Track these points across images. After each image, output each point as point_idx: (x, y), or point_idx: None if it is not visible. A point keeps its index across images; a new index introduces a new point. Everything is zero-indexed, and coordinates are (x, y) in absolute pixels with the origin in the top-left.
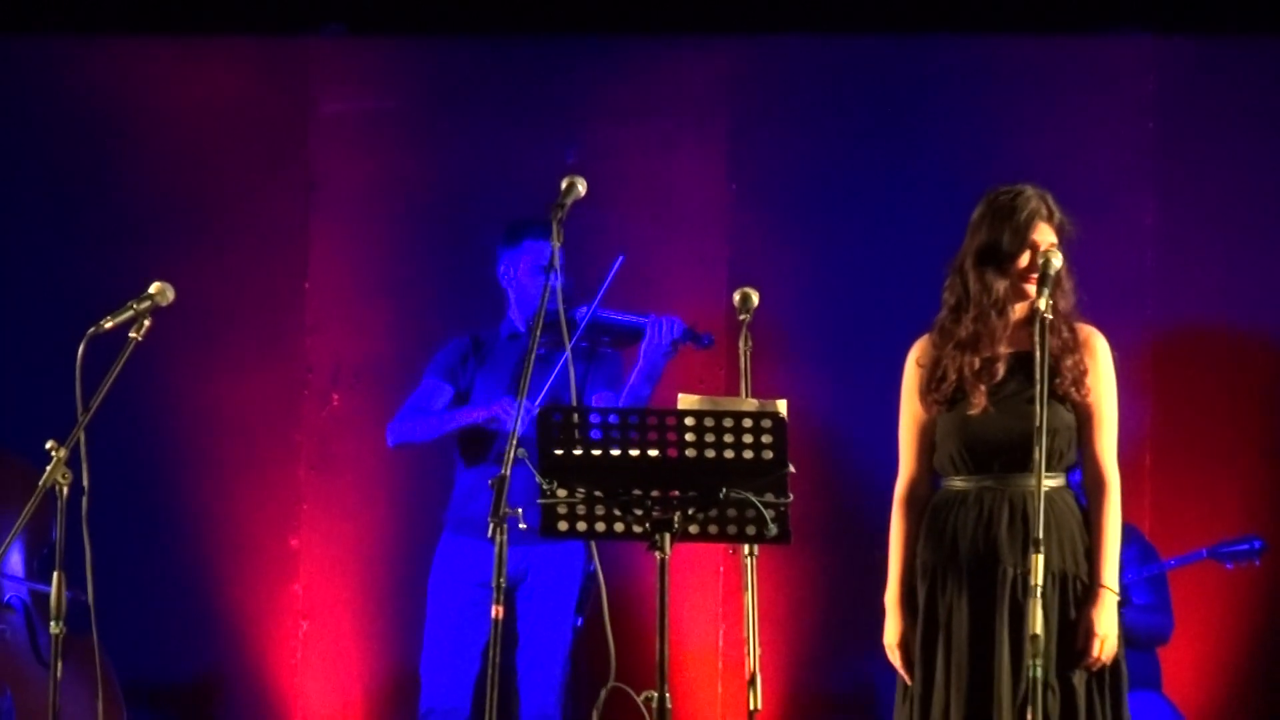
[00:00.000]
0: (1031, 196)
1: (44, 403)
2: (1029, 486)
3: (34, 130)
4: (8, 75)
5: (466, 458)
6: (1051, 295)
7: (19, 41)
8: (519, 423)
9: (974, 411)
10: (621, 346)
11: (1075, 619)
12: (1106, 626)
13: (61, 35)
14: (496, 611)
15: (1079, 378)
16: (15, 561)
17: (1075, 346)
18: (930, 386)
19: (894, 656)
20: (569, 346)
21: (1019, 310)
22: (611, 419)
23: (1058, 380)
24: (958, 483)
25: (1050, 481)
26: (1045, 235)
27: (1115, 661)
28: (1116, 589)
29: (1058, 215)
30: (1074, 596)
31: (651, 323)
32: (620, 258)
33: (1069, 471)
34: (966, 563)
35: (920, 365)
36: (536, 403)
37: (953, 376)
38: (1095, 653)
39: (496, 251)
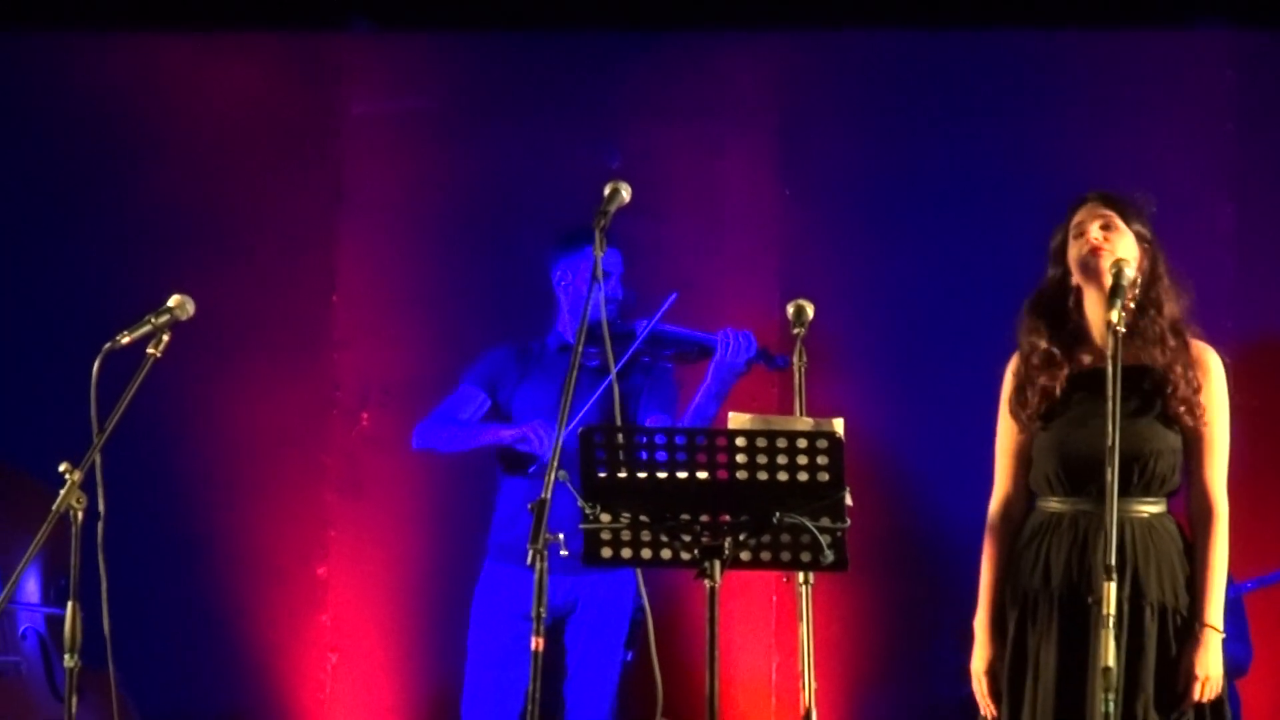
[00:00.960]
0: (1092, 193)
1: (58, 422)
2: (1129, 510)
3: (46, 132)
4: (19, 74)
5: (506, 468)
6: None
7: (31, 38)
8: (559, 444)
9: (1069, 429)
10: (685, 362)
11: (1176, 657)
12: (1209, 668)
13: (75, 31)
14: (536, 644)
15: (1191, 397)
16: (31, 589)
17: (1187, 360)
18: (1021, 402)
19: (980, 685)
20: (614, 365)
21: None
22: (658, 439)
23: (1165, 396)
24: (1053, 504)
25: (1151, 507)
26: (1093, 215)
27: (1218, 702)
28: (1220, 627)
29: (1135, 220)
30: (1174, 632)
31: (723, 338)
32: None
33: (1171, 497)
34: (1058, 591)
35: (1014, 378)
36: (577, 421)
37: (1042, 391)
38: (1196, 696)
39: (551, 257)
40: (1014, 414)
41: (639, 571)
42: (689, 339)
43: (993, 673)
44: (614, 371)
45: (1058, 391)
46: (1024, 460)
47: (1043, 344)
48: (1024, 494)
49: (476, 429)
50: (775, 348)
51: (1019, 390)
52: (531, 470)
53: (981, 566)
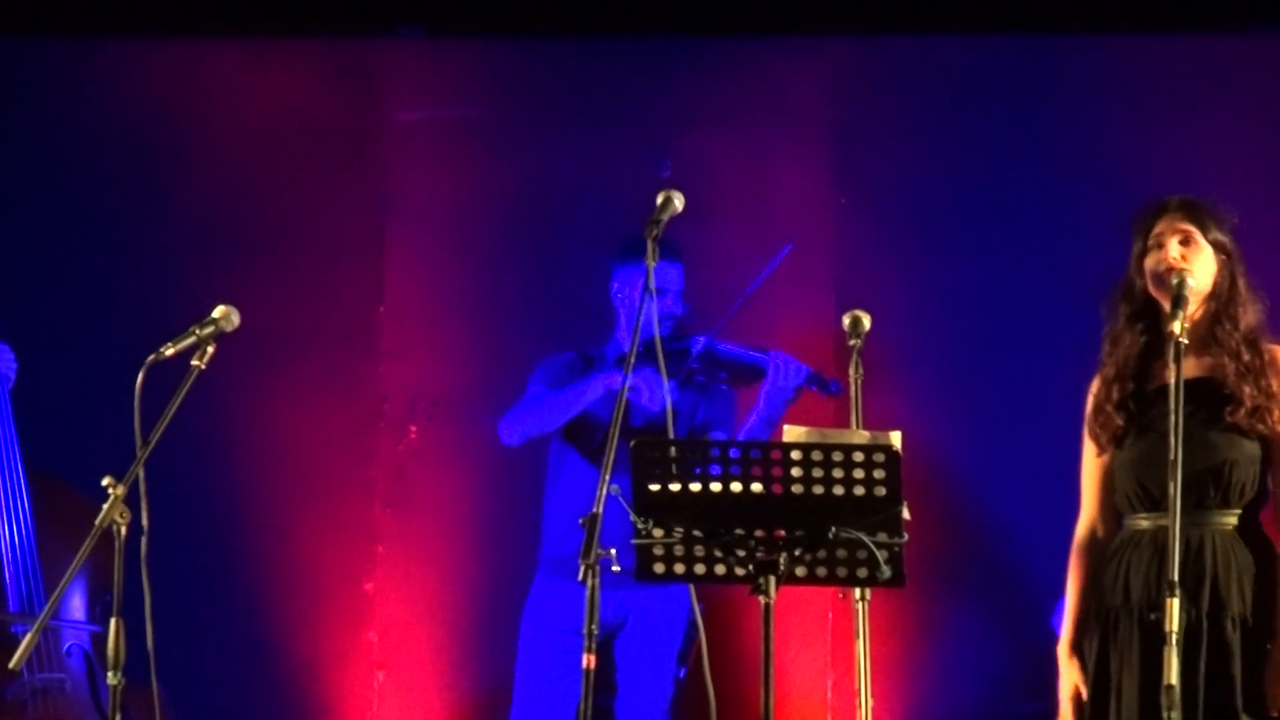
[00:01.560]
0: (1173, 201)
1: (101, 435)
2: (1209, 523)
3: (85, 141)
4: (59, 82)
5: (586, 453)
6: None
7: (70, 45)
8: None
9: (1148, 445)
10: (739, 385)
11: (1260, 674)
12: None
13: (115, 38)
14: (588, 661)
15: (1264, 404)
16: (76, 606)
17: (1259, 369)
18: (1100, 422)
19: (1067, 711)
20: (666, 379)
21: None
22: (712, 452)
23: (1232, 408)
24: (1140, 522)
25: (1232, 518)
26: (1171, 228)
27: None
28: None
29: (1214, 230)
30: (1259, 644)
31: (773, 362)
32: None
33: (1258, 506)
34: (1138, 608)
35: (1093, 398)
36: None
37: (1120, 408)
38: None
39: (610, 267)
40: (1093, 435)
41: (692, 587)
42: (742, 360)
43: (1077, 697)
44: (665, 388)
45: (1133, 407)
46: (1107, 481)
47: (1119, 362)
48: (1110, 515)
49: (574, 386)
50: (831, 359)
51: (1097, 410)
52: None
53: (1068, 588)
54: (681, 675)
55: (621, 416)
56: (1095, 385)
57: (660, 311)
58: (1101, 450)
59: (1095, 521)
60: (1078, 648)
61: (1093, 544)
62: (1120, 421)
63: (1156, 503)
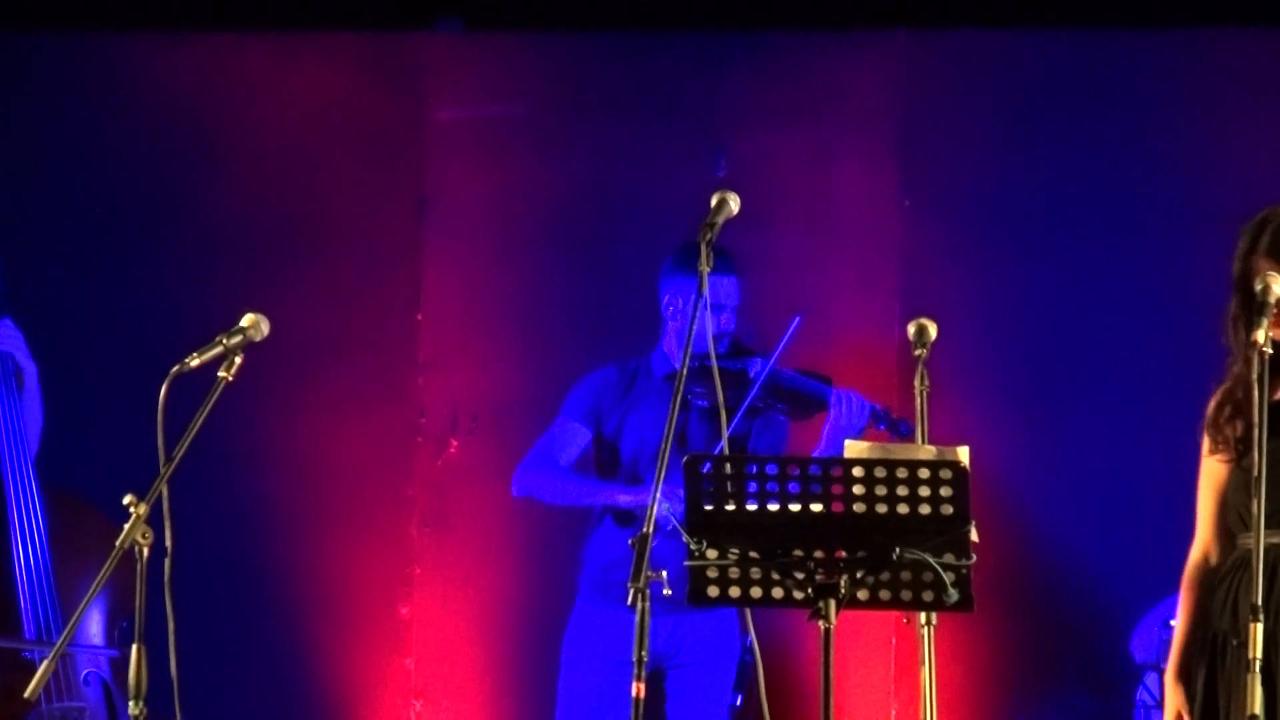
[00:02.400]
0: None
1: (124, 451)
2: None
3: (110, 140)
4: (82, 78)
5: (620, 520)
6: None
7: (94, 40)
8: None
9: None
10: (799, 418)
11: None
12: None
13: (141, 32)
14: (638, 690)
15: None
16: (95, 630)
17: None
18: (1217, 440)
19: None
20: (725, 411)
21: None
22: (769, 469)
23: None
24: (1250, 542)
25: None
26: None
27: None
28: None
29: None
30: None
31: (836, 398)
32: (797, 319)
33: None
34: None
35: (1219, 406)
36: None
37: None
38: None
39: (661, 277)
40: (1212, 454)
41: (747, 612)
42: (804, 391)
43: None
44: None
45: (1241, 426)
46: (1222, 499)
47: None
48: (1224, 537)
49: (589, 486)
50: (895, 370)
51: (1216, 429)
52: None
53: (1178, 613)
54: (737, 703)
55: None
56: (1216, 395)
57: (715, 329)
58: (1219, 464)
59: (1209, 544)
60: (1184, 674)
61: (1204, 569)
62: (1236, 439)
63: (1267, 521)
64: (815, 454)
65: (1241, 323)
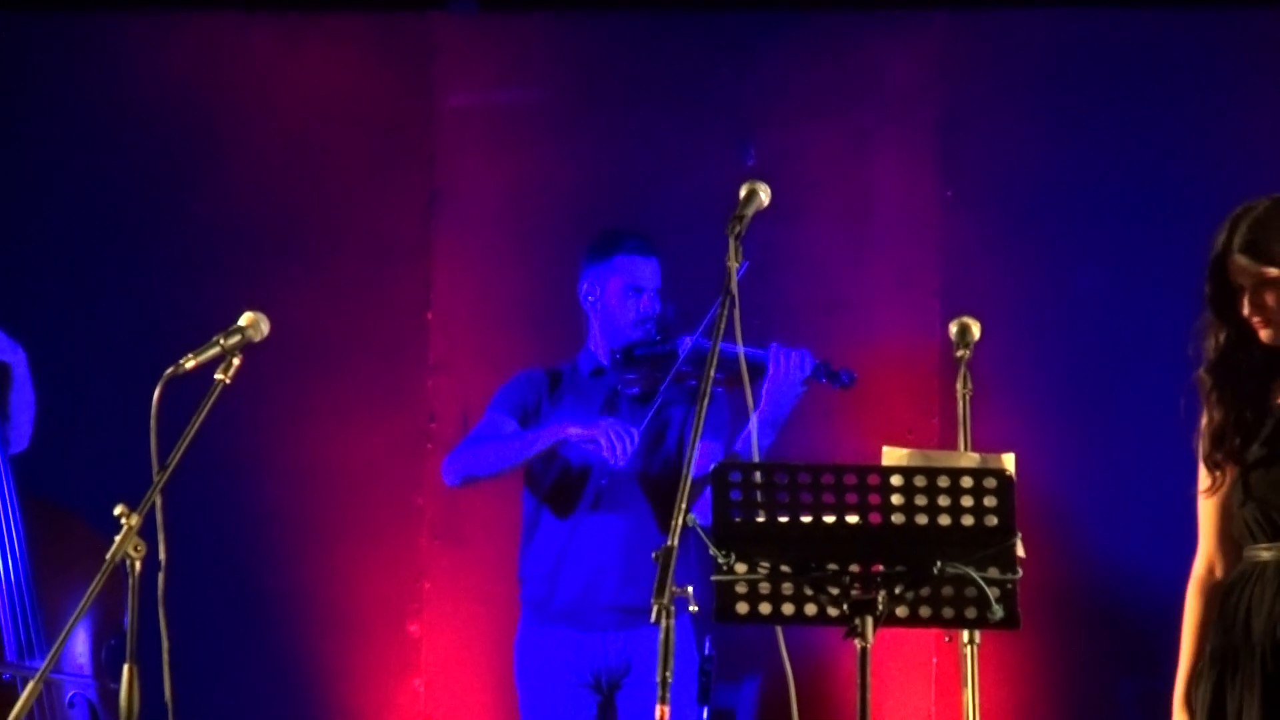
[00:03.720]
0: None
1: (114, 458)
2: None
3: (100, 128)
4: (70, 61)
5: (558, 509)
6: None
7: (82, 20)
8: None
9: (1267, 466)
10: (738, 385)
11: None
12: None
13: (132, 12)
14: (661, 713)
15: None
16: (81, 650)
17: None
18: (1217, 440)
19: None
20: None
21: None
22: (802, 478)
23: None
24: (1261, 553)
25: None
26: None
27: None
28: None
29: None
30: None
31: (774, 354)
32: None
33: None
34: (1260, 646)
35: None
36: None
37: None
38: None
39: (579, 268)
40: (1208, 454)
41: (779, 630)
42: (735, 356)
43: None
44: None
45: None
46: (1226, 508)
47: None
48: (1231, 548)
49: (525, 435)
50: (935, 372)
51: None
52: (603, 483)
53: (1183, 631)
54: (704, 717)
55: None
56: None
57: (636, 314)
58: (1220, 470)
59: (1213, 555)
60: (1191, 700)
61: (1210, 581)
62: (1235, 438)
63: (1276, 530)
64: (755, 414)
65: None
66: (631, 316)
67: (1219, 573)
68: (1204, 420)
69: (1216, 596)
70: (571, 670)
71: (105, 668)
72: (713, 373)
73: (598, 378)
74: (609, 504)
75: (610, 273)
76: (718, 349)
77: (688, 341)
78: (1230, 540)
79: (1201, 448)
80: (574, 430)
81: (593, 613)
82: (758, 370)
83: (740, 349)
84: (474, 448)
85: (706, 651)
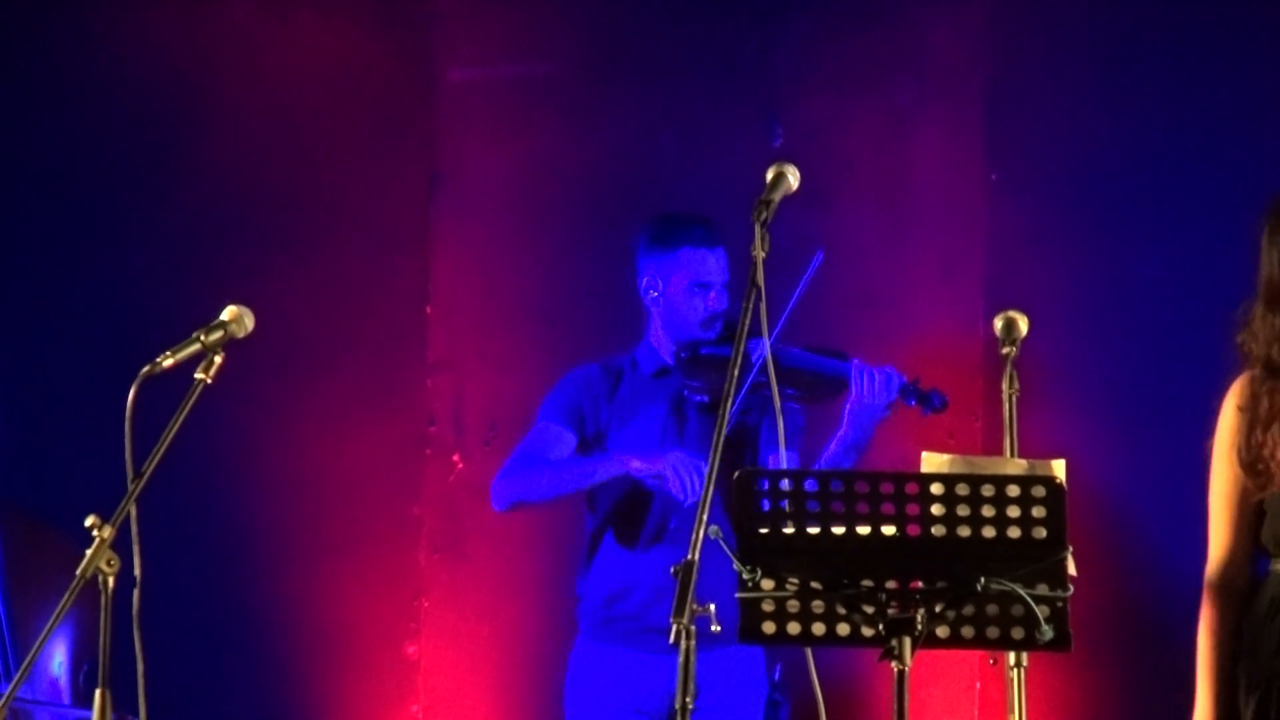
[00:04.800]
0: None
1: (86, 464)
2: None
3: (76, 107)
4: (44, 34)
5: (621, 537)
6: None
7: None
8: (710, 490)
9: None
10: (811, 402)
11: None
12: None
13: None
14: None
15: None
16: (57, 674)
17: None
18: (1253, 440)
19: None
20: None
21: None
22: (834, 486)
23: None
24: None
25: None
26: None
27: None
28: None
29: None
30: None
31: (857, 372)
32: (818, 256)
33: None
34: None
35: (1241, 411)
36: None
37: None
38: None
39: (636, 258)
40: (1240, 455)
41: (809, 651)
42: (816, 370)
43: None
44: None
45: None
46: (1248, 510)
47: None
48: (1250, 554)
49: (583, 464)
50: (979, 370)
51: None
52: (673, 525)
53: (1198, 647)
54: None
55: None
56: (1239, 391)
57: (704, 311)
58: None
59: (1230, 560)
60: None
61: (1228, 589)
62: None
63: None
64: (834, 439)
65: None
66: (698, 315)
67: (1240, 578)
68: (1238, 403)
69: (1238, 606)
70: (630, 694)
71: (84, 693)
72: (735, 373)
73: (662, 379)
74: (681, 523)
75: (674, 267)
76: (741, 351)
77: (762, 344)
78: (1252, 543)
79: (1232, 436)
80: (637, 464)
81: (657, 635)
82: (837, 387)
83: (819, 361)
84: (526, 470)
85: (775, 678)
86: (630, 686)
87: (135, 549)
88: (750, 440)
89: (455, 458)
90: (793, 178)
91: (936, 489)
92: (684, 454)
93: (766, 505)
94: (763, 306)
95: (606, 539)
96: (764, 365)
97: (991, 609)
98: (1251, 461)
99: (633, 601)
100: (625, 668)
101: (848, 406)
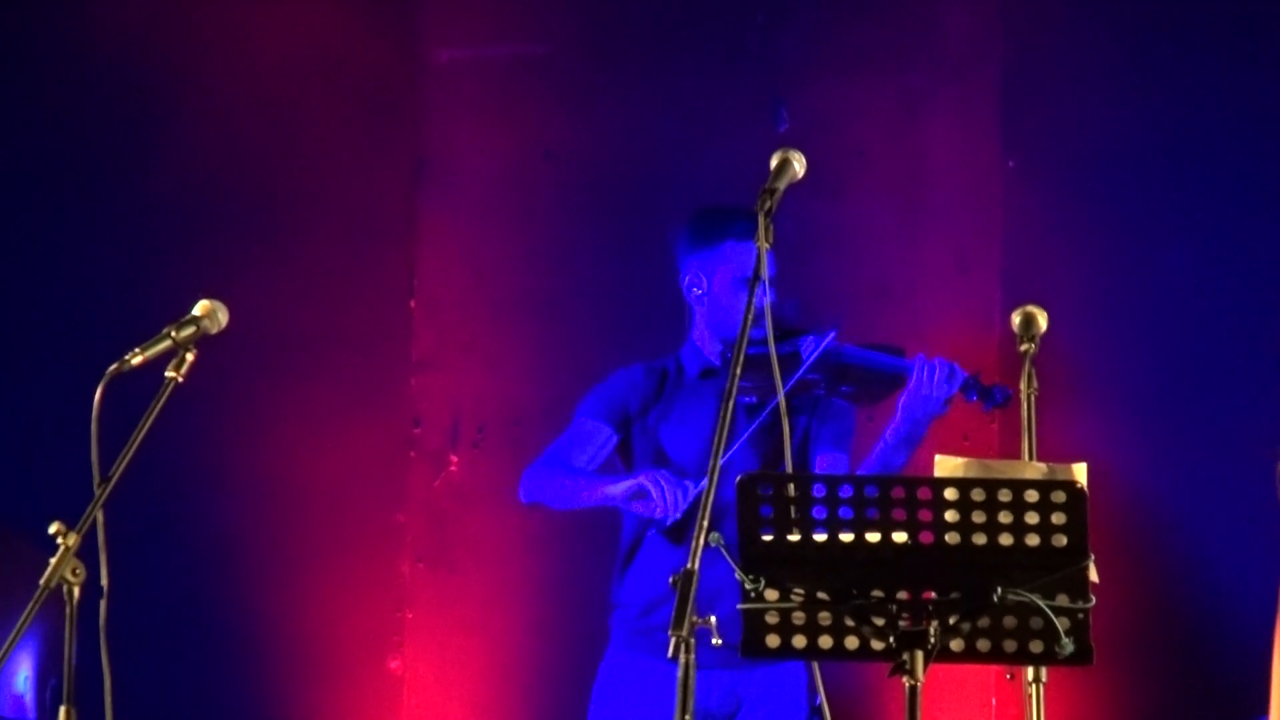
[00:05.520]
0: None
1: (51, 467)
2: None
3: (37, 85)
4: (7, 14)
5: (663, 542)
6: None
7: None
8: (710, 494)
9: None
10: (868, 401)
11: None
12: None
13: None
14: None
15: None
16: (23, 690)
17: None
18: None
19: None
20: (782, 394)
21: None
22: (842, 490)
23: None
24: None
25: None
26: None
27: None
28: None
29: None
30: None
31: (919, 364)
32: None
33: None
34: None
35: None
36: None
37: None
38: None
39: (678, 255)
40: None
41: (815, 665)
42: (873, 366)
43: None
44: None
45: None
46: None
47: None
48: None
49: (587, 481)
50: (996, 369)
51: None
52: (654, 529)
53: (1274, 664)
54: None
55: (722, 438)
56: None
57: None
58: None
59: None
60: None
61: None
62: None
63: None
64: (886, 433)
65: None
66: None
67: None
68: None
69: None
70: (664, 711)
71: (50, 710)
72: (739, 371)
73: (708, 379)
74: (724, 530)
75: (718, 262)
76: (743, 349)
77: (811, 342)
78: None
79: None
80: (617, 490)
81: (698, 648)
82: (896, 384)
83: (878, 358)
84: (550, 472)
85: (817, 702)
86: (663, 701)
87: (102, 557)
88: (796, 439)
89: (442, 461)
90: (799, 165)
91: (951, 494)
92: (663, 472)
93: (770, 511)
94: (766, 301)
95: (646, 543)
96: (820, 362)
97: (1008, 621)
98: None
99: (669, 609)
100: (660, 680)
101: (903, 399)
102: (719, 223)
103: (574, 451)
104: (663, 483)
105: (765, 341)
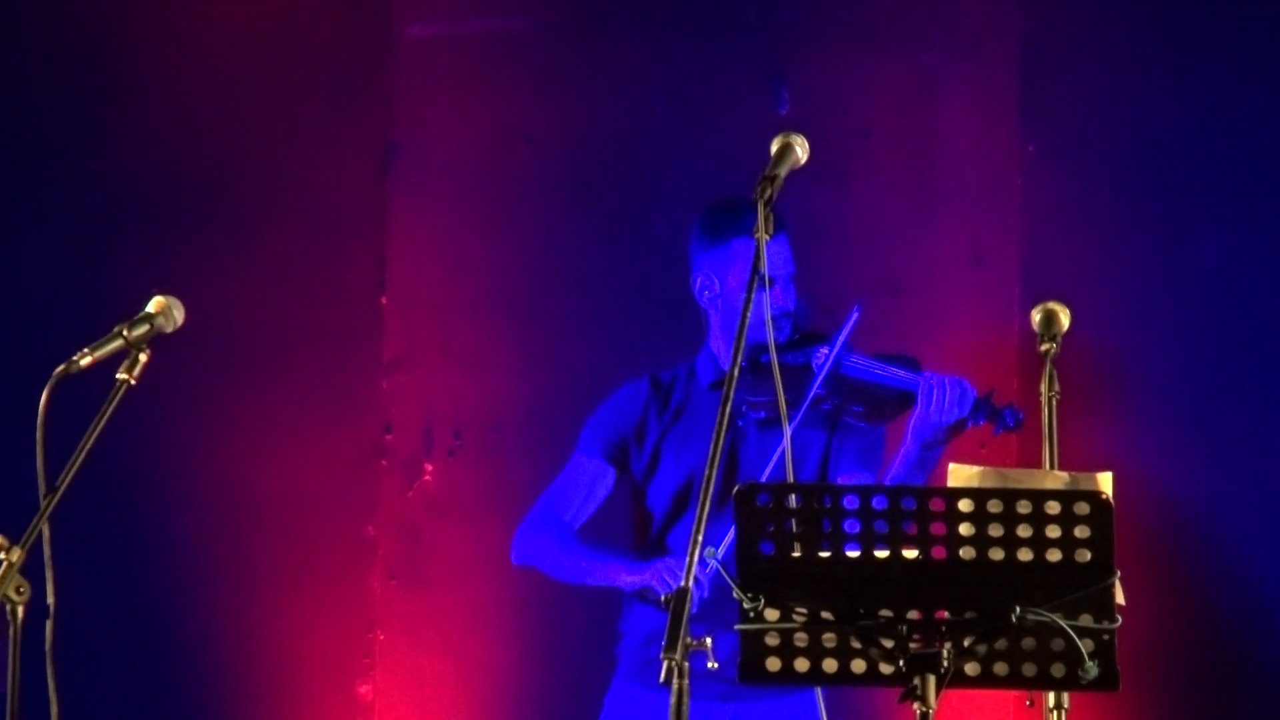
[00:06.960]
0: None
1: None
2: None
3: None
4: None
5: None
6: None
7: None
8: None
9: None
10: (881, 420)
11: None
12: None
13: None
14: None
15: None
16: None
17: None
18: None
19: None
20: (784, 411)
21: None
22: (848, 502)
23: None
24: None
25: None
26: None
27: None
28: None
29: None
30: None
31: (926, 384)
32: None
33: None
34: None
35: None
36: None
37: None
38: None
39: (690, 255)
40: None
41: (818, 692)
42: (879, 383)
43: None
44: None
45: None
46: None
47: None
48: None
49: (589, 561)
50: (1015, 369)
51: None
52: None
53: None
54: None
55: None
56: None
57: (771, 309)
58: None
59: None
60: None
61: None
62: None
63: None
64: (900, 457)
65: None
66: (761, 315)
67: None
68: None
69: None
70: None
71: None
72: (736, 372)
73: (719, 391)
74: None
75: (730, 260)
76: (740, 356)
77: (823, 353)
78: None
79: None
80: (627, 579)
81: (702, 679)
82: (906, 403)
83: (886, 374)
84: (544, 534)
85: None
86: None
87: (48, 574)
88: (814, 457)
89: (416, 470)
90: (801, 150)
91: (965, 506)
92: (673, 560)
93: (771, 525)
94: (766, 297)
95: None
96: (827, 380)
97: (1028, 643)
98: None
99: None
100: (665, 714)
101: (912, 422)
102: (728, 218)
103: (570, 499)
104: (672, 575)
105: (782, 349)
